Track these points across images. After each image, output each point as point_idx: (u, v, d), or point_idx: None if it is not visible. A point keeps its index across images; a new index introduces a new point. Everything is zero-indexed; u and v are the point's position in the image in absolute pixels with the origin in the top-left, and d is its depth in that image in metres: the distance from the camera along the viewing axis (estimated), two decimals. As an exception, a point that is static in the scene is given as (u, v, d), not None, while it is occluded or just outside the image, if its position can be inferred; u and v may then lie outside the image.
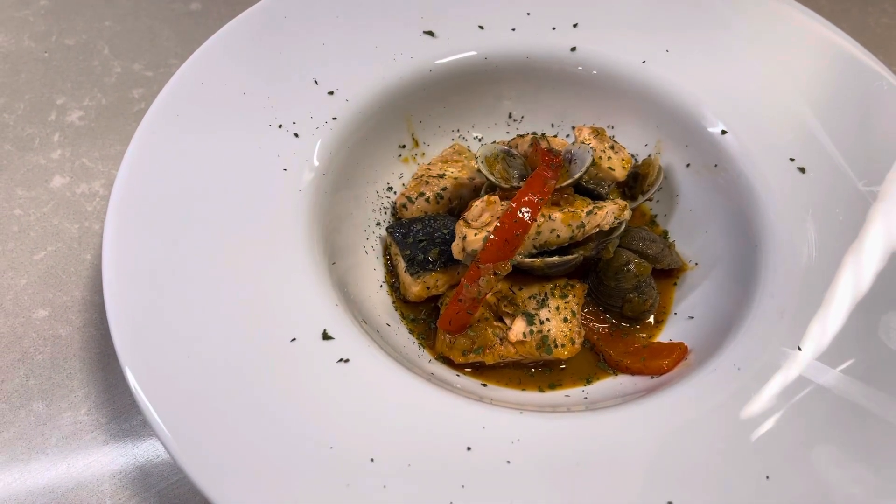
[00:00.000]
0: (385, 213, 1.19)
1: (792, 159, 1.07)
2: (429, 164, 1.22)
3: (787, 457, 0.82)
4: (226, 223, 0.97)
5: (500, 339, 1.02)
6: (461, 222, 1.02)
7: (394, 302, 1.11)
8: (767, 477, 0.80)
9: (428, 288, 1.07)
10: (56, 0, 1.55)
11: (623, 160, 1.11)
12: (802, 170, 1.06)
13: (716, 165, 1.13)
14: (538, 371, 1.04)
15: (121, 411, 1.04)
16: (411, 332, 1.08)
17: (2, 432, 1.01)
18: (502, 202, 1.02)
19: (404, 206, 1.16)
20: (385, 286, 1.12)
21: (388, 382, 0.88)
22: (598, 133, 1.12)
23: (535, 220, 0.99)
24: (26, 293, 1.14)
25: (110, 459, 1.00)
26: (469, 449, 0.82)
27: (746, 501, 0.78)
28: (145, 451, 1.01)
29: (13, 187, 1.25)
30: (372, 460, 0.80)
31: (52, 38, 1.48)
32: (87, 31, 1.50)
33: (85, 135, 1.33)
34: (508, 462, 0.81)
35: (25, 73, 1.42)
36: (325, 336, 0.90)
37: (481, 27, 1.22)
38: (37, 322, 1.11)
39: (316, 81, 1.13)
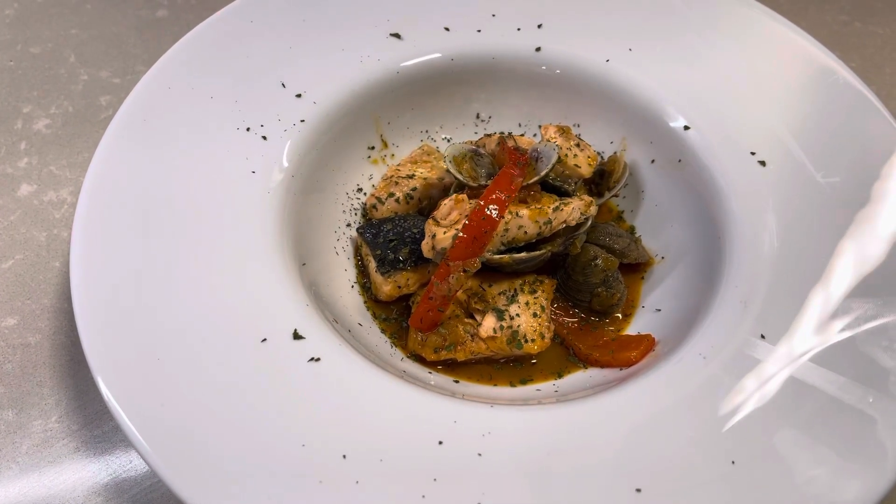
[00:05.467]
0: (355, 214, 1.20)
1: (752, 153, 1.10)
2: (398, 164, 1.23)
3: (751, 442, 0.83)
4: (195, 226, 0.97)
5: (471, 336, 1.03)
6: (430, 221, 1.03)
7: (365, 302, 1.12)
8: (733, 462, 0.82)
9: (399, 287, 1.08)
10: (21, 8, 1.54)
11: (589, 157, 1.13)
12: (763, 163, 1.09)
13: (679, 160, 1.15)
14: (509, 366, 1.05)
15: (92, 418, 1.03)
16: (383, 331, 1.09)
17: (-29, 442, 1.00)
18: (470, 200, 1.04)
19: (374, 206, 1.17)
20: (356, 286, 1.13)
21: (359, 380, 0.88)
22: (563, 131, 1.14)
23: (503, 217, 1.00)
24: (-6, 302, 1.13)
25: (82, 466, 0.99)
26: (440, 443, 0.83)
27: (713, 486, 0.80)
28: (117, 457, 1.00)
29: (-21, 196, 1.24)
30: (344, 457, 0.80)
31: (17, 47, 1.47)
32: (53, 39, 1.49)
33: (52, 143, 1.33)
34: (480, 455, 0.82)
35: (-10, 81, 1.41)
36: (296, 336, 0.91)
37: (447, 29, 1.23)
38: (5, 331, 1.10)
39: (283, 84, 1.14)
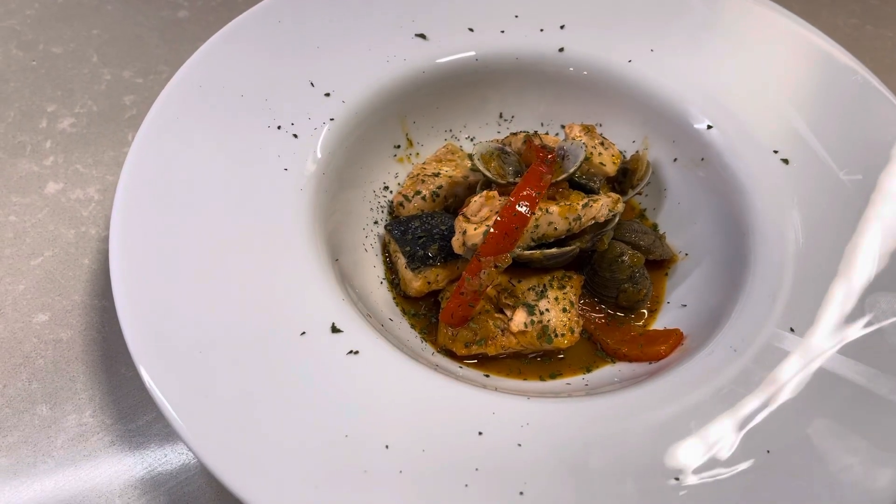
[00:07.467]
0: (382, 211, 1.21)
1: (776, 151, 1.12)
2: (424, 163, 1.24)
3: (786, 432, 0.85)
4: (231, 222, 0.98)
5: (502, 331, 1.04)
6: (461, 217, 1.05)
7: (394, 298, 1.13)
8: (768, 451, 0.83)
9: (429, 283, 1.09)
10: (42, 9, 1.55)
11: (613, 156, 1.15)
12: (786, 161, 1.11)
13: (702, 159, 1.17)
14: (537, 361, 1.07)
15: (126, 412, 1.04)
16: (413, 326, 1.10)
17: (6, 436, 1.01)
18: (500, 197, 1.05)
19: (401, 204, 1.18)
20: (385, 283, 1.14)
21: (398, 372, 0.90)
22: (588, 130, 1.15)
23: (534, 214, 1.01)
24: (25, 298, 1.13)
25: (118, 460, 1.00)
26: (480, 434, 0.84)
27: (749, 474, 0.82)
28: (153, 451, 1.01)
29: (7, 194, 1.25)
30: (387, 447, 0.82)
31: (39, 47, 1.48)
32: (74, 39, 1.50)
33: (77, 141, 1.34)
34: (519, 445, 0.84)
35: (14, 81, 1.42)
36: (334, 329, 0.92)
37: (471, 29, 1.25)
38: (37, 326, 1.11)
39: (312, 83, 1.15)
